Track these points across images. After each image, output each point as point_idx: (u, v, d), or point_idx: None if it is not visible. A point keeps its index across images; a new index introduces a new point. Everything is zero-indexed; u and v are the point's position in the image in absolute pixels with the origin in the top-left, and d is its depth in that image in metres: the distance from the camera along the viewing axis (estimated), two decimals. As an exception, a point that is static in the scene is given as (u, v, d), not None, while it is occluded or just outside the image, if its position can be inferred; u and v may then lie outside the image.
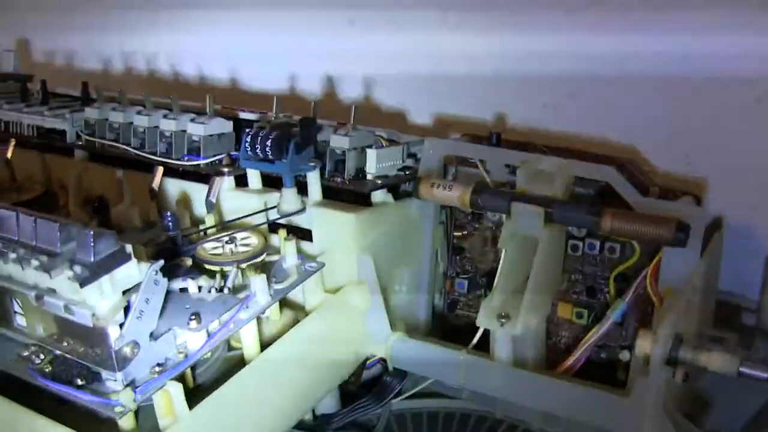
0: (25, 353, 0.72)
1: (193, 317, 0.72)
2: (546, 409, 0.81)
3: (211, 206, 0.84)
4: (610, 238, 0.85)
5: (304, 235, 0.86)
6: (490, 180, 0.88)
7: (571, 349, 0.86)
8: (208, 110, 0.92)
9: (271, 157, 0.84)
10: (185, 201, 0.90)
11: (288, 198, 0.85)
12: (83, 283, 0.65)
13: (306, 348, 0.80)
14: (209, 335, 0.73)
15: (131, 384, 0.68)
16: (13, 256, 0.69)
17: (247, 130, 0.86)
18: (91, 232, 0.66)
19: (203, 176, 0.90)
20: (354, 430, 0.88)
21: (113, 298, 0.67)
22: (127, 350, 0.68)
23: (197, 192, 0.90)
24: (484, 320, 0.81)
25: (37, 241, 0.68)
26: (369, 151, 0.88)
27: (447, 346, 0.84)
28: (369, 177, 0.88)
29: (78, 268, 0.66)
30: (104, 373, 0.69)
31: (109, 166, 0.95)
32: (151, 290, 0.69)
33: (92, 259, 0.66)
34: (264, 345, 0.77)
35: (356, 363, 0.87)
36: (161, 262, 0.69)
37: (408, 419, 0.91)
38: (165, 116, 0.93)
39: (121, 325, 0.67)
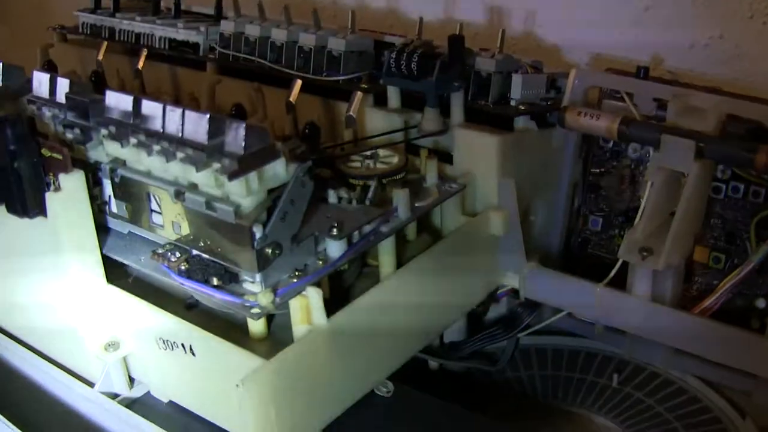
0: (159, 251, 0.71)
1: (336, 225, 0.71)
2: (683, 347, 0.79)
3: (351, 121, 0.83)
4: (756, 181, 0.82)
5: (443, 157, 0.84)
6: (637, 113, 0.84)
7: (704, 295, 0.83)
8: (350, 26, 0.91)
9: (416, 74, 0.82)
10: (323, 116, 0.89)
11: (430, 117, 0.84)
12: (231, 176, 0.64)
13: (441, 270, 0.78)
14: (350, 245, 0.72)
15: (271, 286, 0.67)
16: (157, 147, 0.69)
17: (392, 48, 0.85)
18: (243, 124, 0.65)
19: (343, 92, 0.89)
20: (479, 360, 0.86)
21: (259, 196, 0.66)
22: (268, 251, 0.67)
23: (336, 108, 0.89)
24: (625, 253, 0.78)
25: (184, 133, 0.67)
26: (514, 76, 0.86)
27: (582, 279, 0.82)
28: (513, 103, 0.86)
29: (227, 161, 0.65)
30: (243, 274, 0.68)
31: (243, 80, 0.94)
32: (297, 192, 0.68)
33: (242, 152, 0.65)
34: (398, 265, 0.75)
35: (486, 292, 0.86)
36: (309, 163, 0.68)
37: (533, 354, 0.90)
38: (305, 31, 0.91)
39: (264, 225, 0.66)
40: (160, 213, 0.73)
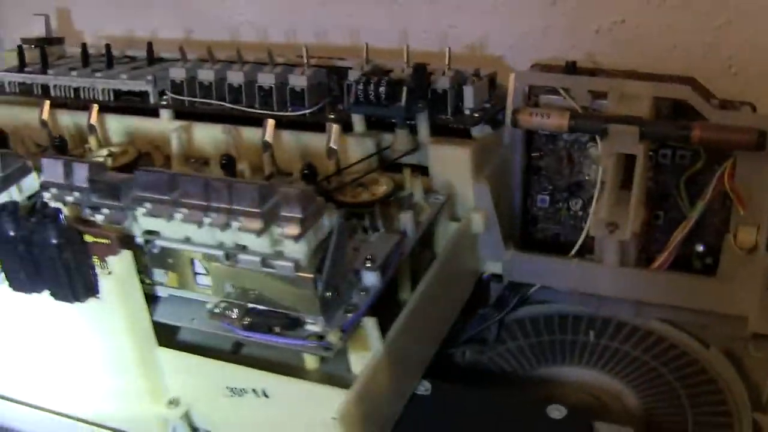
0: (216, 310, 0.78)
1: (369, 258, 0.80)
2: (649, 299, 0.93)
3: (333, 153, 0.91)
4: (681, 147, 0.96)
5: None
6: (577, 106, 0.96)
7: (652, 249, 0.97)
8: (305, 61, 0.98)
9: (384, 101, 0.91)
10: (294, 149, 0.96)
11: (402, 138, 0.93)
12: (297, 239, 0.72)
13: (447, 274, 0.89)
14: (382, 272, 0.81)
15: (337, 325, 0.76)
16: (208, 220, 0.75)
17: (354, 78, 0.93)
18: (298, 192, 0.73)
19: (309, 125, 0.96)
20: (473, 344, 0.97)
21: (312, 247, 0.74)
22: (328, 295, 0.76)
23: (306, 140, 0.96)
24: (595, 230, 0.91)
25: (234, 204, 0.74)
26: (465, 88, 0.96)
27: (556, 256, 0.95)
28: (467, 112, 0.96)
29: (288, 226, 0.73)
30: (306, 318, 0.77)
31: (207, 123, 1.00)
32: (340, 238, 0.76)
33: (301, 215, 0.73)
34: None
35: (474, 281, 0.97)
36: (342, 210, 0.77)
37: (514, 328, 1.01)
38: (262, 70, 0.98)
39: (321, 273, 0.74)
40: (205, 274, 0.79)
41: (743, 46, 0.99)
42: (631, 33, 1.04)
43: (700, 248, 0.98)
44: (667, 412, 0.88)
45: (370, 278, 0.79)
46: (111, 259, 0.76)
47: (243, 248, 0.76)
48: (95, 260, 0.77)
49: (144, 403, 0.81)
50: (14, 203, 0.77)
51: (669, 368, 0.93)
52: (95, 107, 1.02)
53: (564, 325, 1.00)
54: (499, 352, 0.97)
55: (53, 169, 0.83)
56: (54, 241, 0.75)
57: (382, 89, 0.91)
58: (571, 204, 1.02)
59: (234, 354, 0.83)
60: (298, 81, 0.97)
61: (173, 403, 0.82)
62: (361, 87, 0.92)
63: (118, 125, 1.06)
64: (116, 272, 0.76)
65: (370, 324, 0.76)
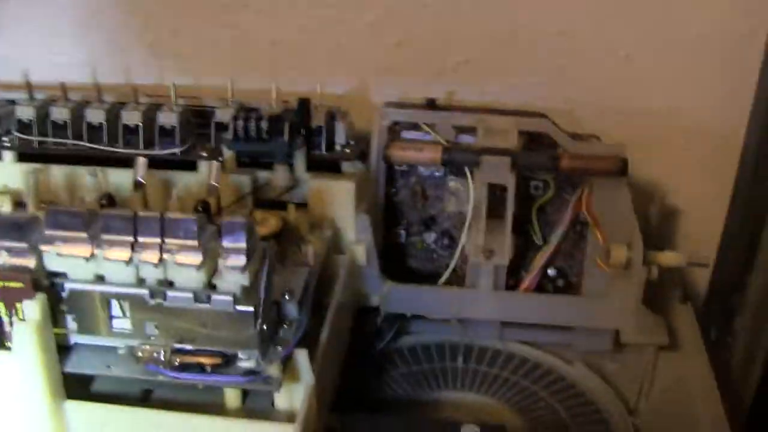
0: (140, 354, 0.74)
1: (288, 290, 0.79)
2: (519, 319, 0.99)
3: (214, 190, 0.89)
4: (534, 178, 1.02)
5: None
6: (442, 140, 1.00)
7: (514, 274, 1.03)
8: (173, 98, 0.95)
9: (267, 138, 0.91)
10: (171, 190, 0.93)
11: (283, 174, 0.93)
12: (244, 269, 0.71)
13: (342, 306, 0.89)
14: (300, 305, 0.80)
15: (271, 358, 0.75)
16: (139, 256, 0.72)
17: (229, 116, 0.92)
18: (242, 221, 0.71)
19: (179, 163, 0.94)
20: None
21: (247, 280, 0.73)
22: (265, 328, 0.74)
23: (179, 179, 0.94)
24: (474, 256, 0.96)
25: (167, 236, 0.71)
26: (337, 124, 0.97)
27: (435, 286, 0.98)
28: (338, 147, 0.98)
29: (235, 257, 0.71)
30: (241, 355, 0.74)
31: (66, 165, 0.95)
32: (270, 268, 0.75)
33: (245, 246, 0.71)
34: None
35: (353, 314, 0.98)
36: (272, 240, 0.76)
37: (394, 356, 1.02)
38: (126, 109, 0.94)
39: (256, 305, 0.73)
40: (121, 317, 0.75)
41: (579, 84, 1.08)
42: (474, 72, 1.09)
43: (552, 272, 1.04)
44: (551, 427, 0.92)
45: (291, 311, 0.78)
46: (26, 304, 0.70)
47: (169, 285, 0.73)
48: (2, 306, 0.71)
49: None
50: None
51: (540, 386, 0.99)
52: None
53: (441, 352, 1.02)
54: (382, 380, 0.98)
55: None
56: None
57: (263, 125, 0.90)
58: (425, 237, 1.05)
59: (144, 401, 0.79)
60: (168, 119, 0.94)
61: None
62: (241, 123, 0.91)
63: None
64: (30, 318, 0.70)
65: (302, 356, 0.75)
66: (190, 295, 0.72)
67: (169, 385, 0.77)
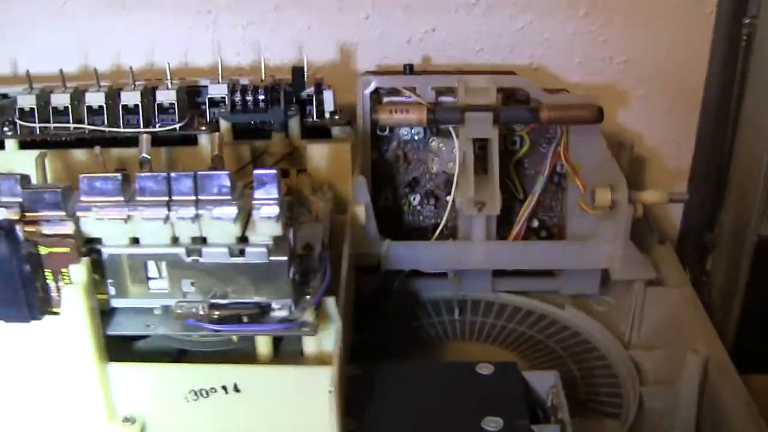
0: (180, 311, 0.78)
1: (308, 243, 0.84)
2: (512, 267, 1.05)
3: (219, 160, 0.93)
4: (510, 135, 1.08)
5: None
6: (425, 102, 1.05)
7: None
8: (168, 77, 0.99)
9: (264, 107, 0.95)
10: (175, 164, 0.96)
11: (280, 142, 0.97)
12: (278, 218, 0.75)
13: (350, 261, 0.93)
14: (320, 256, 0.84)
15: (303, 305, 0.79)
16: (175, 213, 0.75)
17: (224, 90, 0.97)
18: (275, 172, 0.75)
19: (179, 138, 0.97)
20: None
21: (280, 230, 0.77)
22: (296, 278, 0.78)
23: (179, 153, 0.97)
24: (465, 209, 1.01)
25: (204, 194, 0.75)
26: (326, 92, 1.02)
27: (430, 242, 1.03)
28: (327, 114, 1.02)
29: (271, 207, 0.75)
30: (275, 304, 0.78)
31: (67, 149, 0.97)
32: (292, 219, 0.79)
33: (278, 197, 0.75)
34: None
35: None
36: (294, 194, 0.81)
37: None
38: (125, 89, 0.97)
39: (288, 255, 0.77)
40: (159, 278, 0.78)
41: (541, 44, 1.14)
42: (440, 41, 1.15)
43: (535, 224, 1.10)
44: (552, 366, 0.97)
45: (312, 262, 0.82)
46: (72, 268, 0.73)
47: (203, 242, 0.76)
48: (48, 273, 0.74)
49: (100, 423, 0.78)
50: None
51: (535, 331, 1.04)
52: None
53: (437, 307, 1.07)
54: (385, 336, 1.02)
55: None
56: (10, 257, 0.71)
57: (260, 96, 0.94)
58: (411, 199, 1.10)
59: (180, 359, 0.82)
60: (166, 97, 0.97)
61: (129, 420, 0.79)
62: (238, 96, 0.94)
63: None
64: (77, 282, 0.73)
65: (330, 303, 0.80)
66: (225, 250, 0.75)
67: (200, 343, 0.81)
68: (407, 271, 1.05)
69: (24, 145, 0.99)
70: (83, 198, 0.75)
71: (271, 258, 0.75)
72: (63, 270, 0.74)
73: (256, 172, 0.75)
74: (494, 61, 1.14)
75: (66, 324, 0.74)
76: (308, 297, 0.79)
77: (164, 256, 0.77)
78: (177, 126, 0.97)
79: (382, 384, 0.87)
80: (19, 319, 0.73)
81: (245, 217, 0.75)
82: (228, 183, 0.74)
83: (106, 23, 1.12)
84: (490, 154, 1.02)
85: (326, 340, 0.80)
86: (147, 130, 0.97)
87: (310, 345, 0.81)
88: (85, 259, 0.73)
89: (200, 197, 0.75)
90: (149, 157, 0.91)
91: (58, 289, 0.74)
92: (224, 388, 0.77)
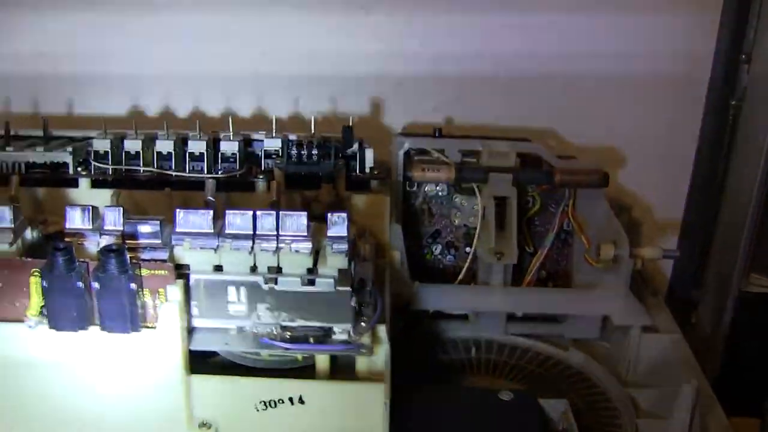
0: (257, 330, 0.90)
1: (360, 279, 0.96)
2: (525, 311, 1.17)
3: (275, 204, 1.06)
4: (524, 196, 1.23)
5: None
6: (452, 162, 1.19)
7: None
8: (231, 130, 1.12)
9: (317, 160, 1.09)
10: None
11: (328, 192, 1.10)
12: (347, 254, 0.88)
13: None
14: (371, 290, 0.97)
15: (361, 330, 0.91)
16: (259, 246, 0.88)
17: (278, 145, 1.10)
18: (347, 214, 0.88)
19: (239, 184, 1.10)
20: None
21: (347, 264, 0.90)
22: (356, 306, 0.91)
23: (238, 198, 1.09)
24: (486, 258, 1.15)
25: (284, 231, 0.88)
26: (367, 150, 1.15)
27: (454, 284, 1.16)
28: (367, 169, 1.15)
29: (340, 246, 0.88)
30: (336, 328, 0.91)
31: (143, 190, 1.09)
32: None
33: (347, 236, 0.89)
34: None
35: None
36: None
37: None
38: (192, 138, 1.10)
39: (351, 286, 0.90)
40: (235, 302, 0.90)
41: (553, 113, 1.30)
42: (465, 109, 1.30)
43: (543, 275, 1.24)
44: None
45: (365, 294, 0.95)
46: (170, 289, 0.85)
47: (278, 271, 0.89)
48: (146, 292, 0.86)
49: (179, 427, 0.89)
50: (68, 245, 0.83)
51: (543, 369, 1.17)
52: (15, 178, 1.05)
53: (455, 345, 1.20)
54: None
55: (78, 216, 0.89)
56: (120, 276, 0.83)
57: (314, 151, 1.08)
58: (433, 248, 1.24)
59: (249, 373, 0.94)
60: (229, 147, 1.10)
61: (204, 425, 0.91)
62: (295, 150, 1.08)
63: (43, 196, 1.09)
64: (171, 301, 0.85)
65: (382, 329, 0.92)
66: (298, 279, 0.88)
67: (264, 360, 0.93)
68: (431, 311, 1.16)
69: (96, 183, 1.10)
70: (178, 229, 0.87)
71: (338, 288, 0.87)
72: (160, 290, 0.85)
73: (330, 214, 0.87)
74: (509, 123, 1.28)
75: (161, 337, 0.85)
76: (363, 323, 0.91)
77: (244, 282, 0.88)
78: (237, 173, 1.09)
79: (413, 404, 0.98)
80: (122, 331, 0.84)
81: (316, 252, 0.88)
82: (305, 222, 0.87)
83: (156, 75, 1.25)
84: (508, 210, 1.15)
85: (377, 360, 0.91)
86: (212, 175, 1.08)
87: (362, 364, 0.92)
88: (180, 281, 0.85)
89: (281, 233, 0.87)
90: (214, 200, 1.04)
91: (155, 307, 0.85)
92: (290, 399, 0.89)
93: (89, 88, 1.32)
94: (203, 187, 1.05)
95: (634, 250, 1.12)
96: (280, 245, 0.87)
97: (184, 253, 0.87)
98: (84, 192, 1.09)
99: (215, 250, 0.87)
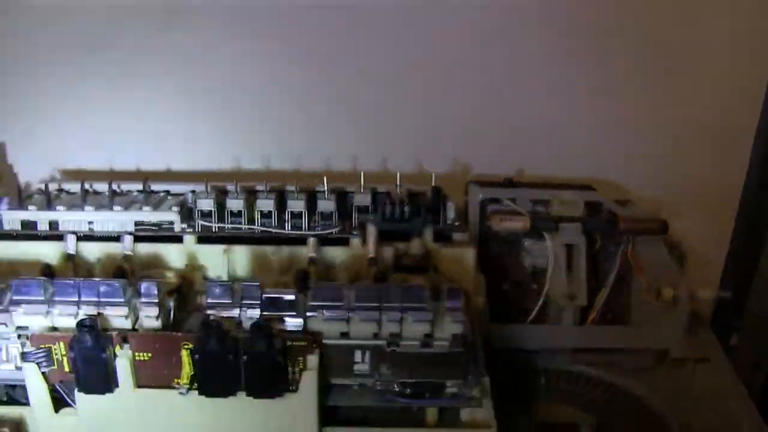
0: (378, 387, 1.00)
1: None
2: (590, 345, 1.28)
3: (374, 261, 1.15)
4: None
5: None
6: (524, 211, 1.29)
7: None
8: (326, 189, 1.22)
9: (407, 217, 1.19)
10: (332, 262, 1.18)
11: (417, 245, 1.20)
12: (462, 323, 0.98)
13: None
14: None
15: (470, 384, 1.02)
16: (385, 317, 0.98)
17: (380, 201, 1.19)
18: (460, 288, 0.99)
19: (333, 240, 1.19)
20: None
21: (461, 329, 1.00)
22: (467, 365, 1.02)
23: (334, 253, 1.19)
24: (559, 300, 1.25)
25: (405, 302, 0.98)
26: (449, 203, 1.25)
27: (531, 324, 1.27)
28: (449, 221, 1.25)
29: (456, 315, 0.98)
30: (448, 383, 1.01)
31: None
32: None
33: (461, 307, 0.99)
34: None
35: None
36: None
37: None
38: (290, 198, 1.20)
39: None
40: (361, 362, 1.00)
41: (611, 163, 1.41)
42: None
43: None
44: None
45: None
46: (309, 358, 0.95)
47: (398, 335, 0.99)
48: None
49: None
50: (218, 323, 0.93)
51: (604, 396, 1.28)
52: (129, 237, 1.14)
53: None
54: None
55: (218, 291, 0.98)
56: (269, 350, 0.93)
57: (405, 208, 1.18)
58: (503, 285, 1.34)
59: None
60: (326, 206, 1.19)
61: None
62: (389, 207, 1.17)
63: (147, 251, 1.17)
64: (312, 367, 0.95)
65: (486, 381, 1.03)
66: (417, 342, 0.98)
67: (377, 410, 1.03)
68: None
69: (200, 240, 1.19)
70: (313, 303, 0.97)
71: (453, 349, 0.98)
72: (299, 357, 0.95)
73: (449, 287, 0.98)
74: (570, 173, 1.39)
75: (301, 399, 0.95)
76: (472, 378, 1.02)
77: (369, 346, 0.99)
78: (335, 230, 1.19)
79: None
80: (270, 396, 0.94)
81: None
82: (426, 294, 0.97)
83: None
84: (577, 255, 1.26)
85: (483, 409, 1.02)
86: (311, 233, 1.18)
87: (466, 413, 1.03)
88: (317, 351, 0.95)
89: (404, 304, 0.97)
90: (316, 257, 1.13)
91: (294, 372, 0.95)
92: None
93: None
94: (303, 242, 1.14)
95: (693, 292, 1.23)
96: (404, 315, 0.96)
97: (318, 324, 0.97)
98: (190, 247, 1.17)
99: (347, 321, 0.96)
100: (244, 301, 0.98)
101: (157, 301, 0.98)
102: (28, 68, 1.39)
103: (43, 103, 1.42)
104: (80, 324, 0.94)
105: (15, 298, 0.98)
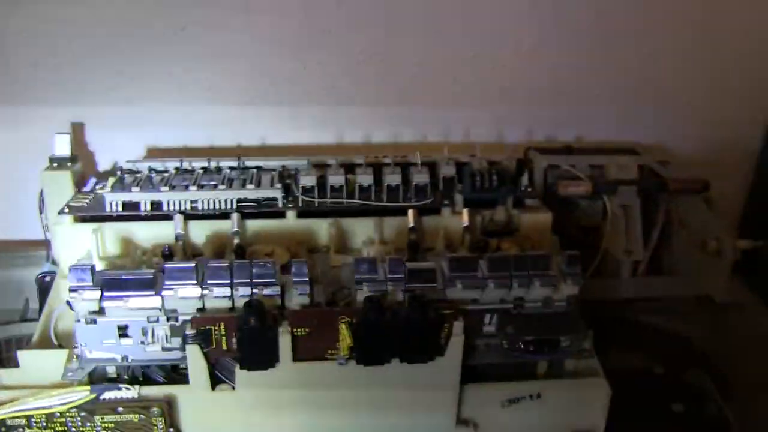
0: (505, 346, 1.13)
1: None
2: (646, 295, 1.43)
3: (468, 229, 1.26)
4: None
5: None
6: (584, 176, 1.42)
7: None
8: (418, 162, 1.32)
9: (496, 186, 1.30)
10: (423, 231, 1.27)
11: (502, 212, 1.32)
12: (579, 283, 1.11)
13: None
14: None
15: (580, 338, 1.15)
16: (515, 283, 1.10)
17: (469, 172, 1.30)
18: (578, 254, 1.11)
19: (430, 211, 1.29)
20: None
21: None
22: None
23: (429, 221, 1.29)
24: (619, 254, 1.39)
25: (533, 269, 1.11)
26: (526, 171, 1.36)
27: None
28: (522, 188, 1.37)
29: (575, 279, 1.11)
30: (562, 339, 1.15)
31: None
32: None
33: (579, 272, 1.12)
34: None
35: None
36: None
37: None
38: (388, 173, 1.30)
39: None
40: (488, 324, 1.12)
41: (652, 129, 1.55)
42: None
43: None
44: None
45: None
46: (456, 324, 1.07)
47: (521, 300, 1.11)
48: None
49: (448, 426, 1.12)
50: (378, 298, 1.04)
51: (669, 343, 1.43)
52: (236, 215, 1.22)
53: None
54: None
55: (367, 267, 1.09)
56: (423, 319, 1.04)
57: (494, 178, 1.29)
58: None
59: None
60: (421, 178, 1.30)
61: (468, 425, 1.14)
62: (478, 177, 1.29)
63: (249, 229, 1.26)
64: (457, 333, 1.07)
65: (590, 334, 1.16)
66: (539, 304, 1.11)
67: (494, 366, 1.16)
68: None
69: (301, 214, 1.28)
70: (452, 273, 1.08)
71: (571, 308, 1.11)
72: (446, 325, 1.06)
73: (568, 253, 1.10)
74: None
75: (448, 363, 1.07)
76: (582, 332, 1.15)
77: (497, 310, 1.11)
78: (429, 201, 1.29)
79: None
80: (422, 361, 1.06)
81: (552, 283, 1.10)
82: (550, 263, 1.09)
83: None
84: (632, 215, 1.40)
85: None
86: (408, 204, 1.28)
87: (569, 364, 1.17)
88: (461, 318, 1.07)
89: (531, 272, 1.09)
90: (416, 226, 1.24)
91: (441, 338, 1.07)
92: (530, 396, 1.13)
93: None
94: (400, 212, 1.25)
95: (736, 242, 1.38)
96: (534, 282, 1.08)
97: (456, 293, 1.08)
98: (291, 222, 1.27)
99: (482, 289, 1.07)
100: (390, 276, 1.07)
101: (308, 279, 1.06)
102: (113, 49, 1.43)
103: (129, 83, 1.46)
104: (248, 305, 1.02)
105: (168, 283, 1.05)
